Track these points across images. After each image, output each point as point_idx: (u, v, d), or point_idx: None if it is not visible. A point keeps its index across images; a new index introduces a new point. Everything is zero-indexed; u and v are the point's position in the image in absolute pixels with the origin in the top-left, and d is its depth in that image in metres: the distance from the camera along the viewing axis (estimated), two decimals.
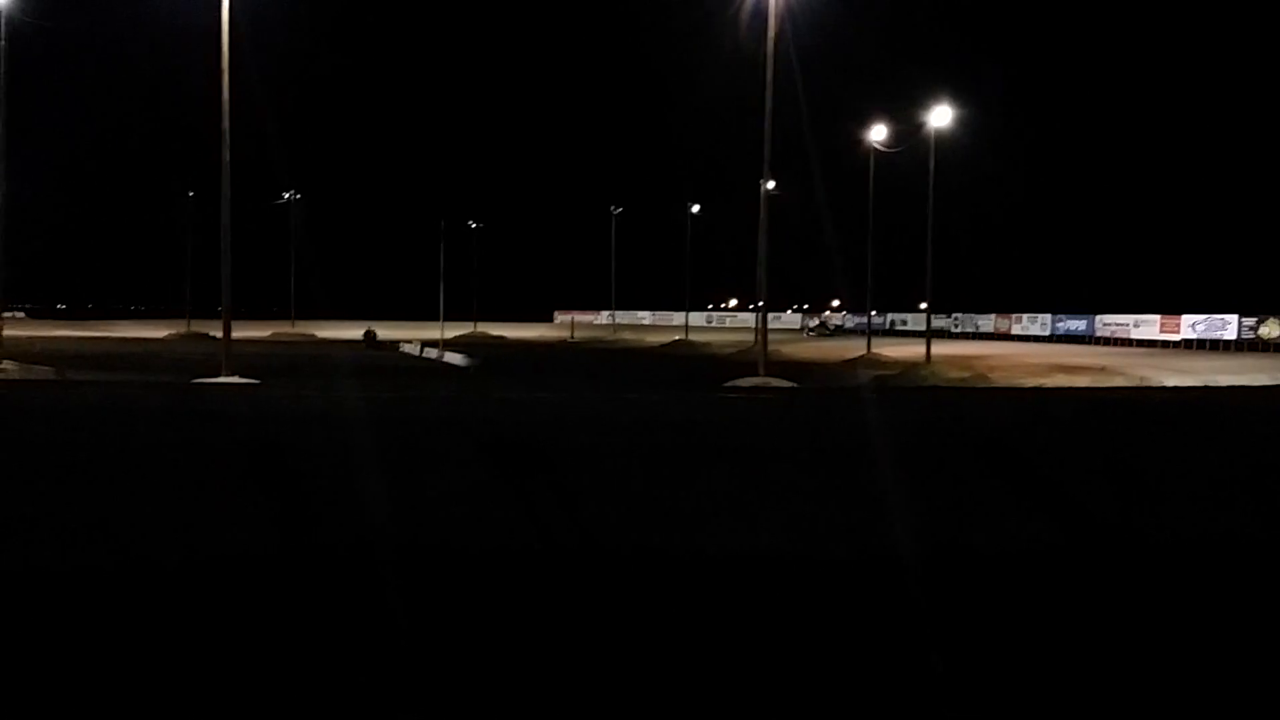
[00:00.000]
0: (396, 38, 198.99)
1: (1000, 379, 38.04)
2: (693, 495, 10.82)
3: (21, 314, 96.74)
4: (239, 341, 35.29)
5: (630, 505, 10.15)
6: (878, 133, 53.58)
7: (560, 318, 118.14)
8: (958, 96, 46.20)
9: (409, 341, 61.66)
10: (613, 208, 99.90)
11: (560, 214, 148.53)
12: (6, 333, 38.79)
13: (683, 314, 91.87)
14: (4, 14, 35.28)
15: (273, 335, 74.10)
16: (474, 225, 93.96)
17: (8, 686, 5.13)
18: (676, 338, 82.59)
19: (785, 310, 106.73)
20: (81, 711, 4.89)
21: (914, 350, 50.31)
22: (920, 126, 46.23)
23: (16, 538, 8.20)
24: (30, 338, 54.67)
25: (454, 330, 75.09)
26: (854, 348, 58.56)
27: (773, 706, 5.12)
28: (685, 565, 7.77)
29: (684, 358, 62.42)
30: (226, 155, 32.04)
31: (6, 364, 35.12)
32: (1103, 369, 39.21)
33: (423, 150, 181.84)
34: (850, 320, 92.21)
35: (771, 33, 33.90)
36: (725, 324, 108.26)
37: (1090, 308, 63.81)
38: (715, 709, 5.09)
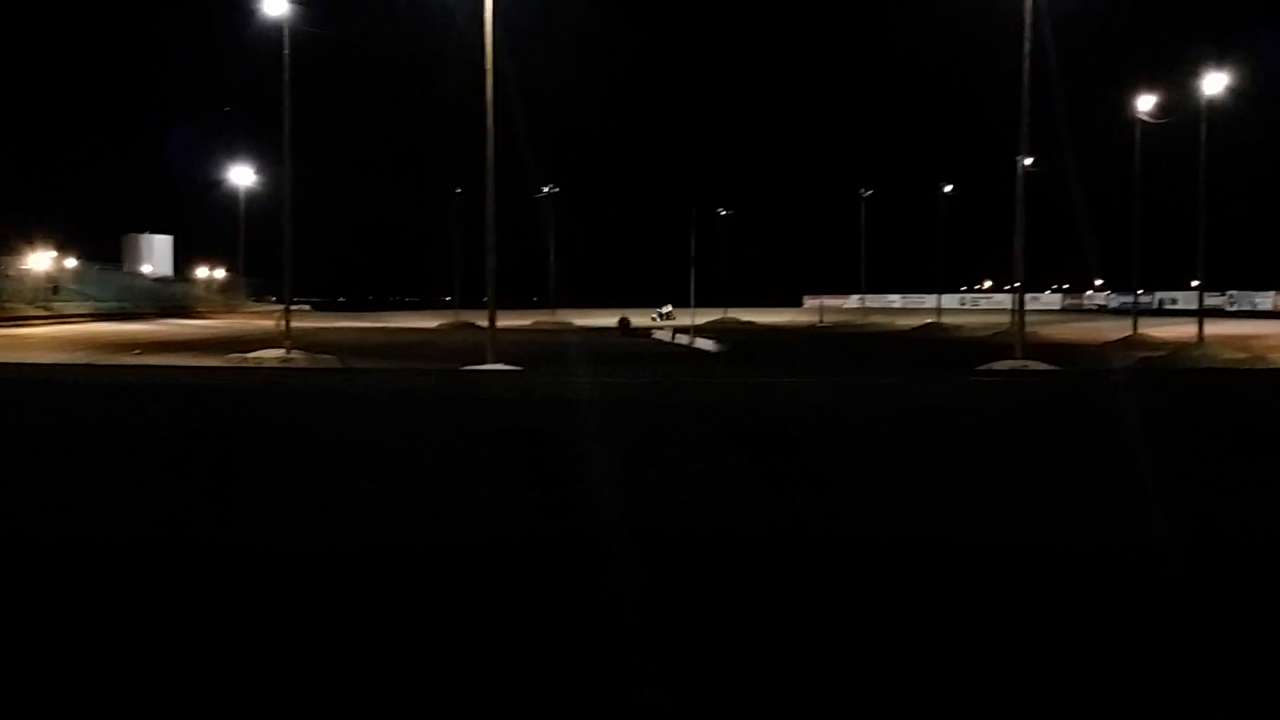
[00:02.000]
0: (646, 29, 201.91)
1: None
2: (946, 482, 10.77)
3: (307, 307, 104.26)
4: (503, 330, 36.93)
5: (882, 492, 10.21)
6: (1144, 103, 50.70)
7: (809, 302, 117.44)
8: (1232, 61, 43.03)
9: (661, 328, 62.79)
10: (862, 190, 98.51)
11: (809, 198, 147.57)
12: (294, 324, 42.08)
13: (934, 296, 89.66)
14: (286, 24, 38.18)
15: (534, 324, 76.89)
16: (723, 212, 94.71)
17: (333, 649, 5.79)
18: (928, 321, 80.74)
19: (1044, 290, 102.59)
20: (386, 668, 5.48)
21: (1184, 330, 47.44)
22: (1190, 95, 43.43)
23: (304, 516, 9.04)
24: (315, 329, 58.92)
25: (704, 316, 75.91)
26: (1119, 328, 55.77)
27: (1030, 702, 5.16)
28: (939, 553, 7.79)
29: (936, 341, 61.00)
30: (491, 152, 33.59)
31: (295, 353, 38.13)
32: None
33: (674, 140, 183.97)
34: (1115, 299, 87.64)
35: (1028, 1, 32.77)
36: (979, 306, 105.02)
37: None
38: (971, 705, 5.15)
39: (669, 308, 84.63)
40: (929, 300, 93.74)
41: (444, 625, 6.10)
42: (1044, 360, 34.23)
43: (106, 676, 5.26)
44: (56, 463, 11.74)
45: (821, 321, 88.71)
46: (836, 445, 13.49)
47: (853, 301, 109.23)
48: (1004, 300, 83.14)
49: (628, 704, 5.02)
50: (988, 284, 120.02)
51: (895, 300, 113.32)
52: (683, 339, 55.06)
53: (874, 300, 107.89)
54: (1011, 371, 31.79)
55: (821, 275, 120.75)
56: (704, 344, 50.99)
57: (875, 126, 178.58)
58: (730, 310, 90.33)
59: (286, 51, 38.21)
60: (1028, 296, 40.77)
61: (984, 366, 33.22)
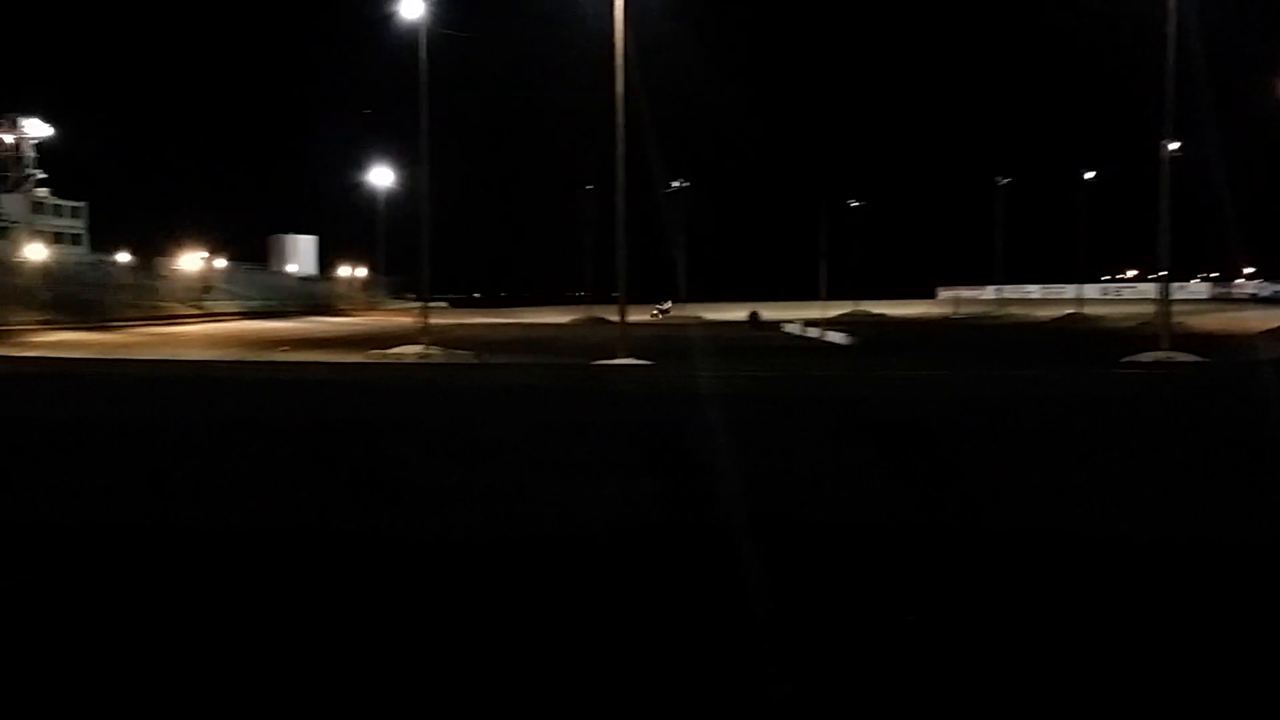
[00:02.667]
0: (774, 19, 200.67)
1: None
2: (1086, 476, 10.54)
3: (444, 304, 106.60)
4: (633, 325, 37.22)
5: (1019, 486, 10.04)
6: None
7: (943, 294, 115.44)
8: None
9: (791, 321, 62.39)
10: (998, 178, 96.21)
11: (943, 187, 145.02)
12: (431, 321, 43.12)
13: (1075, 286, 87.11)
14: (423, 27, 39.08)
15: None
16: (854, 203, 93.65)
17: (503, 627, 6.02)
18: (1069, 311, 78.50)
19: (1190, 279, 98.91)
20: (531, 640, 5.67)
21: None
22: None
23: (445, 508, 9.30)
24: (451, 325, 60.22)
25: (835, 309, 75.29)
26: (1270, 318, 53.39)
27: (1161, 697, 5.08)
28: (1076, 550, 7.64)
29: (1077, 332, 59.26)
30: (620, 147, 33.86)
31: (433, 349, 39.09)
32: None
33: (804, 132, 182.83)
34: (1266, 288, 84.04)
35: None
36: (1122, 295, 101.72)
37: None
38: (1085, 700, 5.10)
39: (669, 304, 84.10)
40: (1069, 290, 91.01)
41: (580, 617, 6.26)
42: (1191, 351, 33.06)
43: (273, 659, 5.56)
44: (214, 457, 12.33)
45: (956, 313, 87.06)
46: (972, 439, 13.29)
47: (989, 292, 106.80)
48: (1148, 289, 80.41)
49: (759, 695, 5.09)
50: (1131, 273, 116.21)
51: (1034, 291, 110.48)
52: (813, 332, 54.61)
53: (1011, 291, 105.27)
54: (1157, 363, 30.80)
55: (956, 266, 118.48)
56: (835, 337, 50.50)
57: (1012, 111, 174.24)
58: (861, 303, 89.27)
59: (423, 55, 39.10)
60: (1173, 285, 39.36)
61: (1128, 358, 32.25)
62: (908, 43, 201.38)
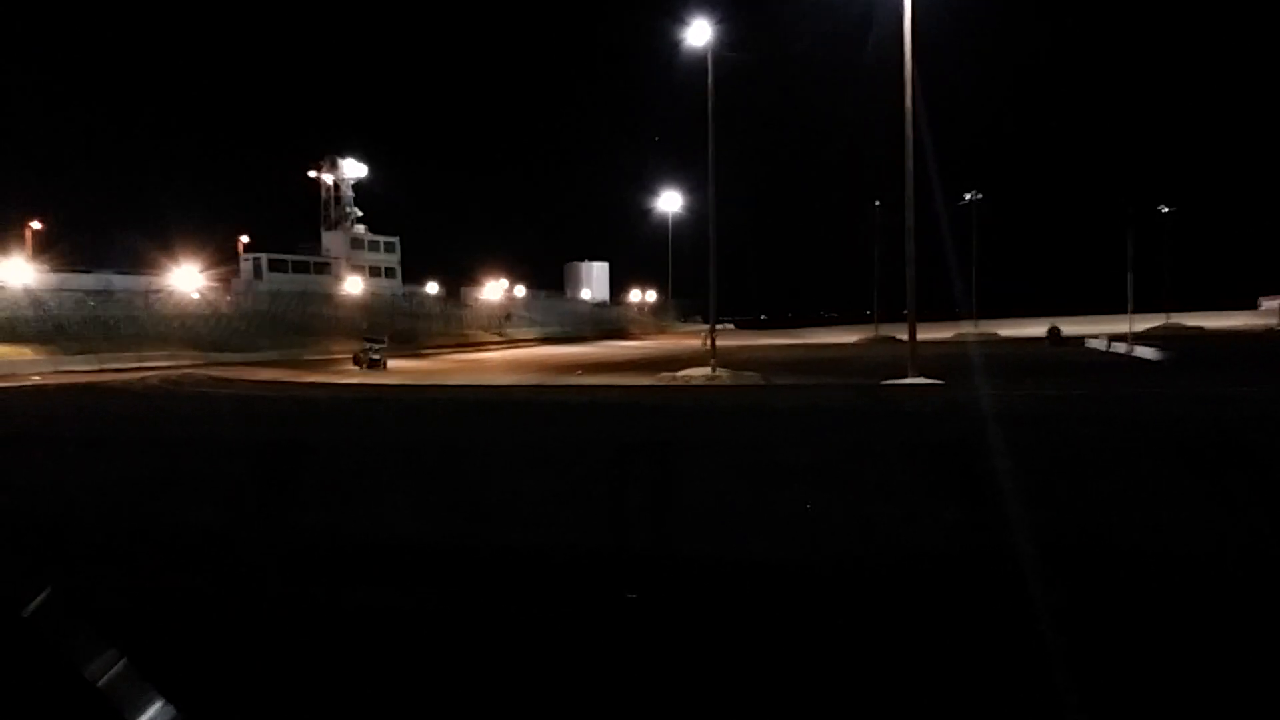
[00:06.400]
0: (1072, 16, 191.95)
1: None
2: None
3: (731, 325, 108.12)
4: (923, 343, 36.38)
5: None
6: None
7: (1266, 304, 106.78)
8: None
9: (1094, 336, 59.30)
10: None
11: (1263, 190, 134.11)
12: (719, 343, 43.68)
13: None
14: (710, 53, 39.88)
15: (955, 336, 75.19)
16: (1165, 210, 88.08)
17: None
18: None
19: None
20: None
21: None
22: None
23: (731, 529, 9.35)
24: (739, 346, 60.91)
25: (1144, 323, 70.89)
26: None
27: None
28: None
29: None
30: (910, 163, 33.22)
31: (721, 371, 39.57)
32: None
33: (1107, 135, 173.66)
34: None
35: None
36: None
37: None
38: None
39: (384, 342, 72.98)
40: None
41: (865, 647, 6.17)
42: None
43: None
44: (520, 477, 12.92)
45: None
46: None
47: None
48: None
49: None
50: None
51: None
52: (1120, 347, 51.66)
53: None
54: None
55: None
56: (1145, 352, 47.56)
57: None
58: (1173, 315, 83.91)
59: (710, 80, 39.86)
60: None
61: None
62: (1218, 37, 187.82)
